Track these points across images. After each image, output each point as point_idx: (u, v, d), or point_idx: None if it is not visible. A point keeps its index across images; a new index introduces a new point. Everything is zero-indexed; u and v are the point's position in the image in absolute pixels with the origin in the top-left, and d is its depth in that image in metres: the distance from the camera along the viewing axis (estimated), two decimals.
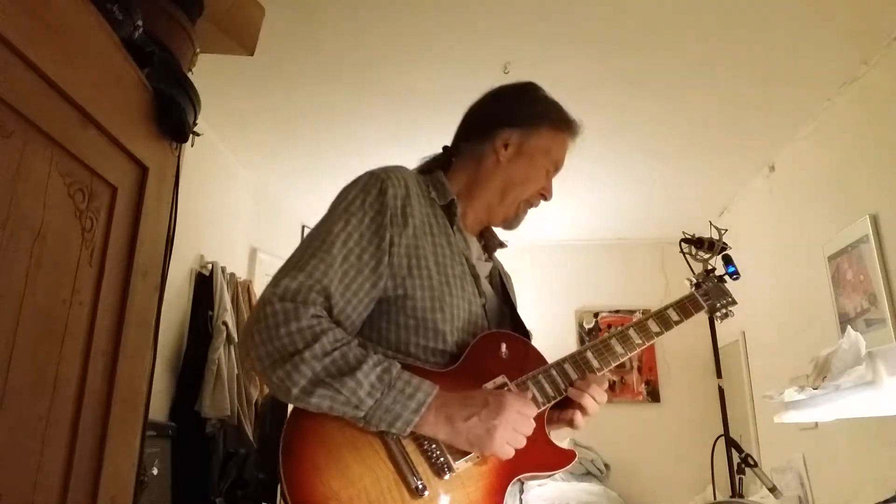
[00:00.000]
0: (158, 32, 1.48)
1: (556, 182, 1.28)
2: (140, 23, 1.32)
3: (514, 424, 0.97)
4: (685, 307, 1.30)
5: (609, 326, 4.61)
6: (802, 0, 2.27)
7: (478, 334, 1.09)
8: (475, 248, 1.24)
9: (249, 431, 3.03)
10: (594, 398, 1.10)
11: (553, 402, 1.09)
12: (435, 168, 1.26)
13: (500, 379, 1.07)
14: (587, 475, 4.11)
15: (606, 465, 4.21)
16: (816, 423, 2.94)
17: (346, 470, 0.92)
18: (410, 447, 0.96)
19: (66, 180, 1.10)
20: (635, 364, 4.61)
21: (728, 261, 1.47)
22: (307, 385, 0.91)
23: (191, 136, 1.53)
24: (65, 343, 1.10)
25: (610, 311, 4.73)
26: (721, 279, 1.44)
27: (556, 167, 1.27)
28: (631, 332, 1.20)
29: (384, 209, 1.06)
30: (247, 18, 1.98)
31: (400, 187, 1.09)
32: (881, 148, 2.56)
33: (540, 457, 1.03)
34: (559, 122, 1.26)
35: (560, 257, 4.82)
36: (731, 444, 2.11)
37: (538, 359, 1.14)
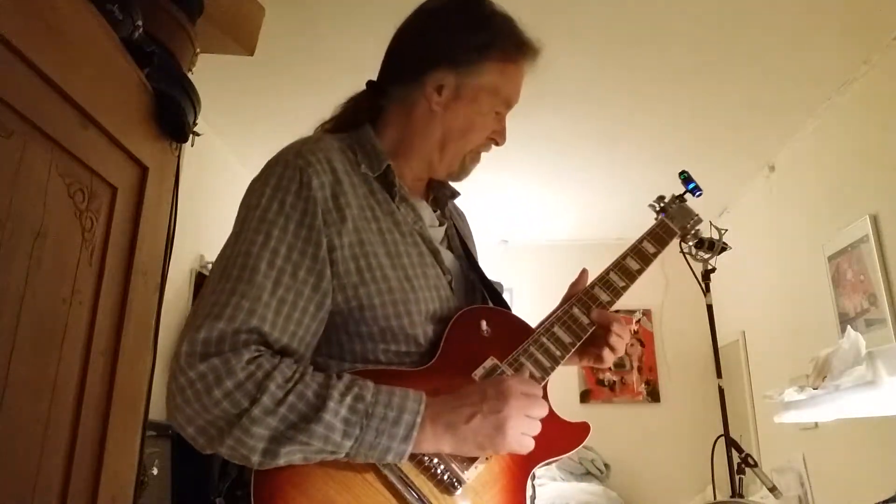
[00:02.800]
0: (158, 32, 1.48)
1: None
2: (140, 23, 1.32)
3: (525, 409, 0.83)
4: (658, 236, 1.18)
5: None
6: (802, 0, 2.27)
7: (451, 319, 0.93)
8: (427, 213, 1.04)
9: None
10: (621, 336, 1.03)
11: (551, 374, 0.98)
12: (360, 120, 1.03)
13: (490, 362, 0.93)
14: (587, 475, 4.11)
15: (606, 465, 4.20)
16: (816, 423, 2.94)
17: None
18: (409, 468, 0.82)
19: (66, 180, 1.10)
20: (635, 364, 4.61)
21: (687, 178, 1.46)
22: (267, 446, 0.75)
23: (191, 136, 1.53)
24: (65, 343, 1.10)
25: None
26: (682, 198, 1.37)
27: (509, 105, 1.04)
28: (612, 275, 1.10)
29: (313, 207, 0.85)
30: (247, 18, 1.98)
31: (325, 173, 0.88)
32: (881, 148, 2.56)
33: (555, 439, 0.90)
34: (510, 51, 1.00)
35: (560, 257, 4.81)
36: (731, 444, 2.10)
37: (523, 328, 1.00)
